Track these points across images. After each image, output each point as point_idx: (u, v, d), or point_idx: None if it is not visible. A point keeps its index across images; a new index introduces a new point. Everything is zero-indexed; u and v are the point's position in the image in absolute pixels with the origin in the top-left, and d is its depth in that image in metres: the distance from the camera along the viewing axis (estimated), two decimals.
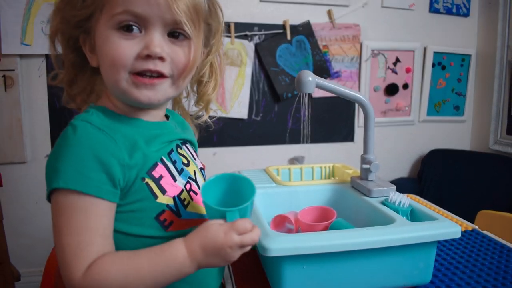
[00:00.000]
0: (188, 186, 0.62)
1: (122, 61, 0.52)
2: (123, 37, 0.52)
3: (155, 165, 0.57)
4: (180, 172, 0.62)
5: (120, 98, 0.58)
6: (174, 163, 0.61)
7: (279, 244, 0.57)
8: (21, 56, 1.78)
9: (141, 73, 0.53)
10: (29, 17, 1.75)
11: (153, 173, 0.56)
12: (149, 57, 0.53)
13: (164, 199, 0.57)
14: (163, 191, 0.57)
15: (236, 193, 0.56)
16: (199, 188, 0.64)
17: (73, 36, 0.58)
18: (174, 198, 0.58)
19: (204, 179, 0.70)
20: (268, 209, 0.86)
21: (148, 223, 0.56)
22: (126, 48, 0.52)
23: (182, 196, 0.60)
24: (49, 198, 0.52)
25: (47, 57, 1.81)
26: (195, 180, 0.65)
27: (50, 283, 0.78)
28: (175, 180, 0.60)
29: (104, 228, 0.51)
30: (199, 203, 0.62)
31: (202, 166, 0.72)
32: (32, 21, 1.75)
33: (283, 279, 0.60)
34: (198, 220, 0.61)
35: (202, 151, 2.14)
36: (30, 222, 1.93)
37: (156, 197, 0.56)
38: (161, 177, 0.57)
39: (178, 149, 0.64)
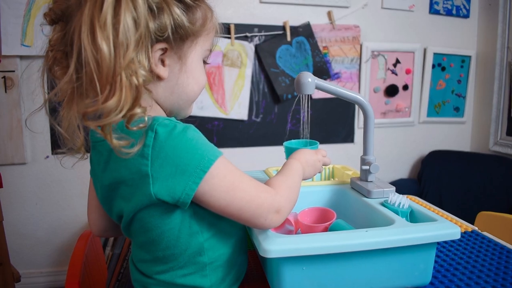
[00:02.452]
0: None
1: (204, 86, 0.67)
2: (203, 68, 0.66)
3: None
4: None
5: (175, 110, 0.65)
6: None
7: (279, 246, 0.57)
8: (21, 57, 1.78)
9: None
10: (29, 19, 1.75)
11: None
12: None
13: None
14: None
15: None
16: None
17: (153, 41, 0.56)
18: None
19: None
20: None
21: None
22: (206, 77, 0.67)
23: None
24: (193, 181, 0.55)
25: None
26: None
27: (75, 282, 0.78)
28: None
29: None
30: None
31: None
32: (32, 22, 1.75)
33: (283, 281, 0.60)
34: None
35: None
36: (30, 223, 1.93)
37: None
38: None
39: None
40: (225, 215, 0.59)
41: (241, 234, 0.69)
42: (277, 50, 2.08)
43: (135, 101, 0.51)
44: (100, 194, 0.65)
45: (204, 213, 0.59)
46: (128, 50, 0.49)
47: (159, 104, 0.62)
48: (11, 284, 1.41)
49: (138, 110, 0.51)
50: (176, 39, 0.57)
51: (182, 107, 0.65)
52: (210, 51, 0.67)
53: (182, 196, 0.54)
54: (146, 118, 0.52)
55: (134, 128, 0.51)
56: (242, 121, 2.11)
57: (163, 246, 0.60)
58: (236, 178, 0.58)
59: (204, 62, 0.66)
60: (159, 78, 0.58)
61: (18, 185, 1.88)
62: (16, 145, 1.82)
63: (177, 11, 0.56)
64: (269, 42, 2.07)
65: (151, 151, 0.53)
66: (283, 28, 2.08)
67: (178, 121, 0.57)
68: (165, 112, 0.64)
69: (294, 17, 2.09)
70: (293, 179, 0.68)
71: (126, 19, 0.49)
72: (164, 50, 0.58)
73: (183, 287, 0.62)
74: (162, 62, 0.58)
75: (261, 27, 2.06)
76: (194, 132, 0.56)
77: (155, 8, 0.53)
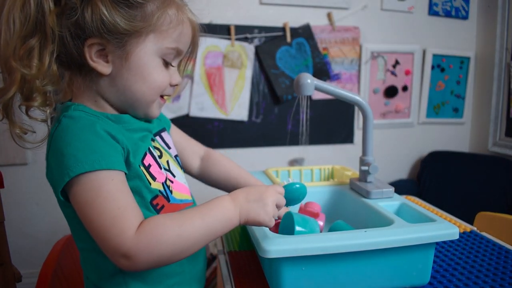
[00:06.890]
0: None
1: (162, 87, 0.62)
2: (165, 67, 0.61)
3: (145, 154, 0.62)
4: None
5: (126, 108, 0.62)
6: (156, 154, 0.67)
7: (278, 246, 0.58)
8: None
9: (163, 96, 0.65)
10: None
11: (144, 161, 0.61)
12: (173, 85, 0.64)
13: (156, 185, 0.62)
14: (154, 178, 0.62)
15: None
16: (174, 176, 0.69)
17: (81, 37, 0.55)
18: (162, 184, 0.64)
19: (180, 166, 0.74)
20: None
21: (144, 207, 0.60)
22: (166, 78, 0.62)
23: (167, 183, 0.66)
24: (62, 191, 0.54)
25: None
26: (169, 170, 0.68)
27: (46, 284, 0.78)
28: (160, 168, 0.65)
29: (132, 196, 0.55)
30: (178, 190, 0.68)
31: (176, 153, 0.76)
32: None
33: (282, 281, 0.61)
34: (184, 204, 0.67)
35: None
36: (31, 223, 1.94)
37: (150, 183, 0.61)
38: (149, 165, 0.62)
39: (152, 142, 0.67)
40: None
41: None
42: (277, 51, 2.09)
43: (29, 90, 0.54)
44: None
45: None
46: (11, 44, 0.51)
47: (106, 100, 0.61)
48: (13, 284, 1.41)
49: (35, 104, 0.55)
50: (109, 35, 0.55)
51: (133, 106, 0.62)
52: (177, 50, 0.62)
53: (57, 190, 0.54)
54: (48, 112, 0.56)
55: (38, 119, 0.56)
56: (242, 122, 2.12)
57: (79, 238, 0.62)
58: (98, 198, 0.51)
59: (168, 63, 0.62)
60: (100, 73, 0.58)
61: (19, 186, 1.89)
62: (17, 146, 1.82)
63: (103, 8, 0.53)
64: (269, 43, 2.08)
65: (51, 139, 0.55)
66: (283, 29, 2.09)
67: (94, 114, 0.58)
68: (114, 108, 0.62)
69: (294, 18, 2.10)
70: (188, 228, 0.52)
71: (11, 16, 0.51)
72: (102, 46, 0.56)
73: None
74: (106, 57, 0.57)
75: (261, 29, 2.06)
76: (90, 134, 0.54)
77: (64, 5, 0.53)
